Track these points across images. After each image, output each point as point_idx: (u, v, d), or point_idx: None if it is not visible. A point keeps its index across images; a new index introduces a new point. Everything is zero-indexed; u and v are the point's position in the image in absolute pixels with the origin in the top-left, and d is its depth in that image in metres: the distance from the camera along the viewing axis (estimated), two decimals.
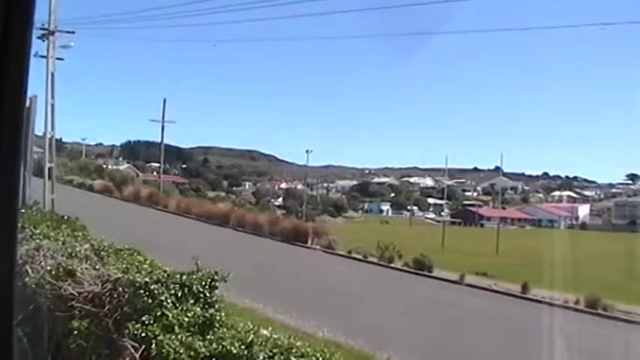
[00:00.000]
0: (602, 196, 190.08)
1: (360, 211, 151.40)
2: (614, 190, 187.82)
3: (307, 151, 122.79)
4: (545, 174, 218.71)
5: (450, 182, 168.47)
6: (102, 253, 10.14)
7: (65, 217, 15.99)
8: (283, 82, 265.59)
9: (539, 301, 23.74)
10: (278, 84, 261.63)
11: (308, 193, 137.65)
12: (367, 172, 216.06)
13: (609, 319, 22.32)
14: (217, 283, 8.09)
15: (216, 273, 8.11)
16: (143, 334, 7.05)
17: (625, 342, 17.97)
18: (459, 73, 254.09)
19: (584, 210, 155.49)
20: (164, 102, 71.19)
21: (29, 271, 9.62)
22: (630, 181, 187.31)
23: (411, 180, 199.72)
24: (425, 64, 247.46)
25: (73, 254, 9.84)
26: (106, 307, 8.14)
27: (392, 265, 31.68)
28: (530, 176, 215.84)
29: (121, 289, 8.16)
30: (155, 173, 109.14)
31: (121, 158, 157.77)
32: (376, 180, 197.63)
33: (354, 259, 33.32)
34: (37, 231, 11.86)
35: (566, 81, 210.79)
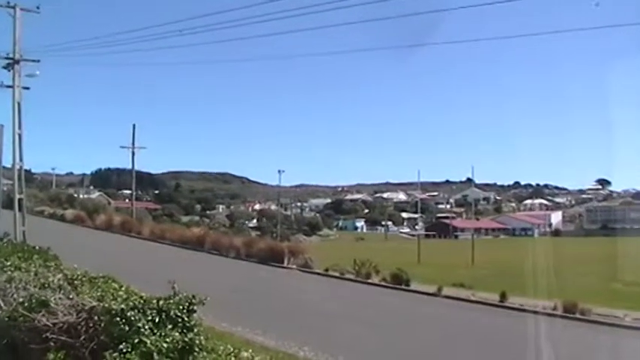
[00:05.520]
0: (573, 202, 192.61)
1: (335, 229, 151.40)
2: (584, 196, 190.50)
3: (280, 171, 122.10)
4: (517, 183, 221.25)
5: (423, 196, 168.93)
6: (75, 282, 9.99)
7: (37, 248, 15.79)
8: (253, 103, 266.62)
9: (518, 309, 23.84)
10: (248, 105, 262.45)
11: (282, 213, 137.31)
12: (340, 189, 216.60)
13: (587, 322, 22.40)
14: (195, 307, 7.98)
15: (193, 297, 8.00)
16: None
17: (601, 345, 18.07)
18: (428, 87, 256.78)
19: (556, 217, 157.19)
20: (134, 128, 70.15)
21: (1, 304, 9.45)
22: (600, 187, 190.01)
23: (384, 195, 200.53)
24: (395, 79, 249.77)
25: (46, 285, 9.68)
26: (82, 337, 7.99)
27: (369, 280, 31.59)
28: (502, 186, 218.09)
29: (96, 317, 8.02)
30: (127, 200, 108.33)
31: (92, 187, 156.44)
32: (349, 197, 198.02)
33: (331, 276, 33.17)
34: (9, 263, 11.69)
35: (532, 87, 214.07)
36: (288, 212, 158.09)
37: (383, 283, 30.97)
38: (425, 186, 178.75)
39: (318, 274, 33.82)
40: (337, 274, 33.38)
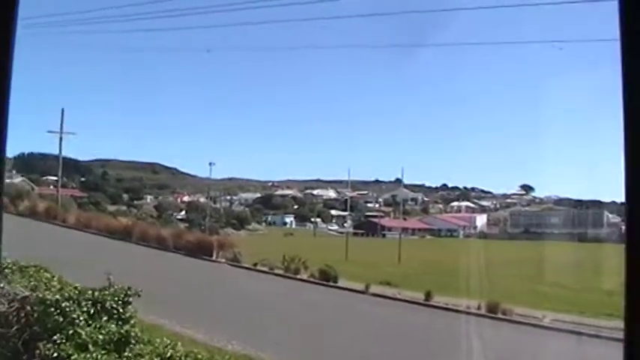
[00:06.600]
0: (498, 206, 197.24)
1: (264, 224, 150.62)
2: (508, 201, 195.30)
3: (210, 164, 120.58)
4: (445, 185, 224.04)
5: (352, 194, 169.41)
6: (5, 270, 9.80)
7: None
8: (186, 93, 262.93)
9: (443, 308, 24.45)
10: (178, 94, 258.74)
11: (211, 206, 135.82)
12: (270, 184, 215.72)
13: (508, 322, 23.15)
14: (130, 299, 7.97)
15: (129, 288, 7.99)
16: (55, 354, 6.86)
17: (516, 342, 18.75)
18: (361, 85, 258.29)
19: (481, 220, 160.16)
20: (62, 112, 67.87)
21: None
22: (524, 192, 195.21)
23: (314, 192, 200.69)
24: (326, 75, 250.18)
25: None
26: (14, 327, 7.89)
27: (298, 276, 31.82)
28: (430, 187, 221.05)
29: (29, 307, 7.93)
30: (52, 187, 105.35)
31: (14, 171, 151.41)
32: (279, 192, 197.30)
33: (260, 271, 33.24)
34: None
35: (464, 90, 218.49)
36: (217, 205, 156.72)
37: (311, 279, 31.24)
38: (355, 184, 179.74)
39: (248, 268, 33.82)
40: (266, 269, 33.47)
